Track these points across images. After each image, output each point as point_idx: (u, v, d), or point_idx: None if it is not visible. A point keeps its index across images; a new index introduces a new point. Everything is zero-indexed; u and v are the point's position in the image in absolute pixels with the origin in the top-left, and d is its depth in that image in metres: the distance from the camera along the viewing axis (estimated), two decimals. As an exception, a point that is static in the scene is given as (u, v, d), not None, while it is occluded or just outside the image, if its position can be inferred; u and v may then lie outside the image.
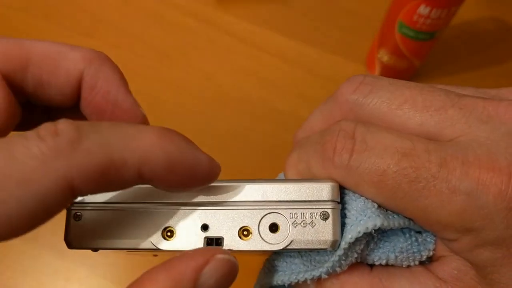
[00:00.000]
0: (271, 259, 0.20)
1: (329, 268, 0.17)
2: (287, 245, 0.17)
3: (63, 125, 0.13)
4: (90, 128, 0.14)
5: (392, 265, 0.18)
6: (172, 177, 0.15)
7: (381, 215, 0.17)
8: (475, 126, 0.16)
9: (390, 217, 0.17)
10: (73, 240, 0.17)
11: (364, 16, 0.50)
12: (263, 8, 0.51)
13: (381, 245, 0.18)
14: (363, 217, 0.17)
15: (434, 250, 0.18)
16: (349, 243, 0.17)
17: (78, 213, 0.18)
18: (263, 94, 0.46)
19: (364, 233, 0.17)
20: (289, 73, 0.47)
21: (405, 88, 0.18)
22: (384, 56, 0.44)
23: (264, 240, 0.17)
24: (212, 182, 0.17)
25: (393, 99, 0.18)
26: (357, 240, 0.17)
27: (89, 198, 0.18)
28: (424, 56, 0.44)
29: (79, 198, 0.18)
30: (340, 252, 0.17)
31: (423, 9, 0.37)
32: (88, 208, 0.18)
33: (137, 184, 0.15)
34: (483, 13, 0.51)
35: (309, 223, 0.17)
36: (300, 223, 0.17)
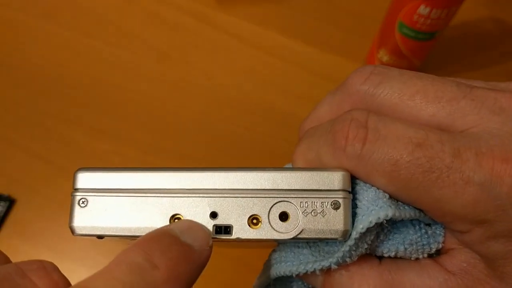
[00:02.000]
0: (278, 249, 0.19)
1: (339, 259, 0.17)
2: (297, 234, 0.17)
3: None
4: None
5: (401, 258, 0.18)
6: None
7: (392, 206, 0.16)
8: (487, 118, 0.16)
9: (401, 207, 0.17)
10: (78, 226, 0.17)
11: (364, 16, 0.50)
12: (263, 8, 0.51)
13: (390, 237, 0.18)
14: (374, 207, 0.16)
15: (443, 242, 0.18)
16: (361, 233, 0.16)
17: (83, 199, 0.17)
18: (263, 94, 0.46)
19: (376, 224, 0.16)
20: (289, 73, 0.47)
21: (417, 78, 0.18)
22: (384, 56, 0.44)
23: (274, 229, 0.17)
24: None
25: (405, 90, 0.17)
26: (368, 230, 0.17)
27: (95, 184, 0.17)
28: (424, 56, 0.44)
29: (85, 184, 0.17)
30: (351, 242, 0.17)
31: (423, 9, 0.37)
32: (93, 194, 0.17)
33: None
34: (483, 13, 0.51)
35: (319, 212, 0.17)
36: (311, 212, 0.17)
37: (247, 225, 0.17)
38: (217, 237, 0.17)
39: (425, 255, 0.18)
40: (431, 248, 0.17)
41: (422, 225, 0.18)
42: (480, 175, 0.15)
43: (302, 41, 0.49)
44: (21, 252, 0.39)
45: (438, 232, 0.18)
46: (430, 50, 0.43)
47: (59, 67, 0.48)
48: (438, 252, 0.18)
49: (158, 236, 0.15)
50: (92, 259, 0.38)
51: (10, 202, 0.41)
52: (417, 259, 0.18)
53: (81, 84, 0.47)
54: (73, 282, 0.16)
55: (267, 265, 0.20)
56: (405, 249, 0.17)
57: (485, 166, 0.15)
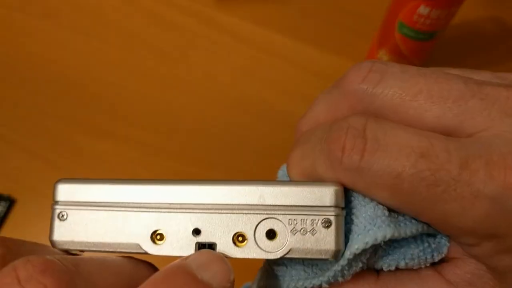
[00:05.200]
0: (271, 261, 0.19)
1: (330, 278, 0.16)
2: (285, 254, 0.16)
3: None
4: None
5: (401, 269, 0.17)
6: None
7: (391, 224, 0.15)
8: (498, 119, 0.15)
9: (402, 225, 0.16)
10: (58, 241, 0.17)
11: (364, 16, 0.50)
12: (263, 8, 0.51)
13: (390, 252, 0.16)
14: (372, 227, 0.15)
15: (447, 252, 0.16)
16: (355, 253, 0.15)
17: (63, 213, 0.17)
18: (263, 94, 0.46)
19: (372, 244, 0.15)
20: (289, 73, 0.47)
21: (419, 76, 0.16)
22: (384, 56, 0.44)
23: (260, 248, 0.16)
24: None
25: (407, 89, 0.16)
26: (363, 250, 0.15)
27: (75, 197, 0.17)
28: (424, 56, 0.44)
29: (65, 197, 0.17)
30: (343, 262, 0.15)
31: (423, 9, 0.37)
32: (74, 207, 0.17)
33: None
34: (483, 13, 0.51)
35: (309, 231, 0.15)
36: (300, 231, 0.16)
37: (232, 242, 0.16)
38: None
39: (428, 265, 0.16)
40: (434, 259, 0.16)
41: (424, 237, 0.17)
42: (491, 188, 0.14)
43: (302, 41, 0.49)
44: (21, 252, 0.39)
45: (443, 242, 0.16)
46: (430, 50, 0.43)
47: (59, 67, 0.48)
48: (441, 259, 0.17)
49: (172, 275, 0.14)
50: (92, 259, 0.38)
51: (10, 202, 0.41)
52: (418, 269, 0.17)
53: (81, 84, 0.47)
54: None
55: (259, 275, 0.19)
56: (406, 264, 0.16)
57: (497, 177, 0.14)
